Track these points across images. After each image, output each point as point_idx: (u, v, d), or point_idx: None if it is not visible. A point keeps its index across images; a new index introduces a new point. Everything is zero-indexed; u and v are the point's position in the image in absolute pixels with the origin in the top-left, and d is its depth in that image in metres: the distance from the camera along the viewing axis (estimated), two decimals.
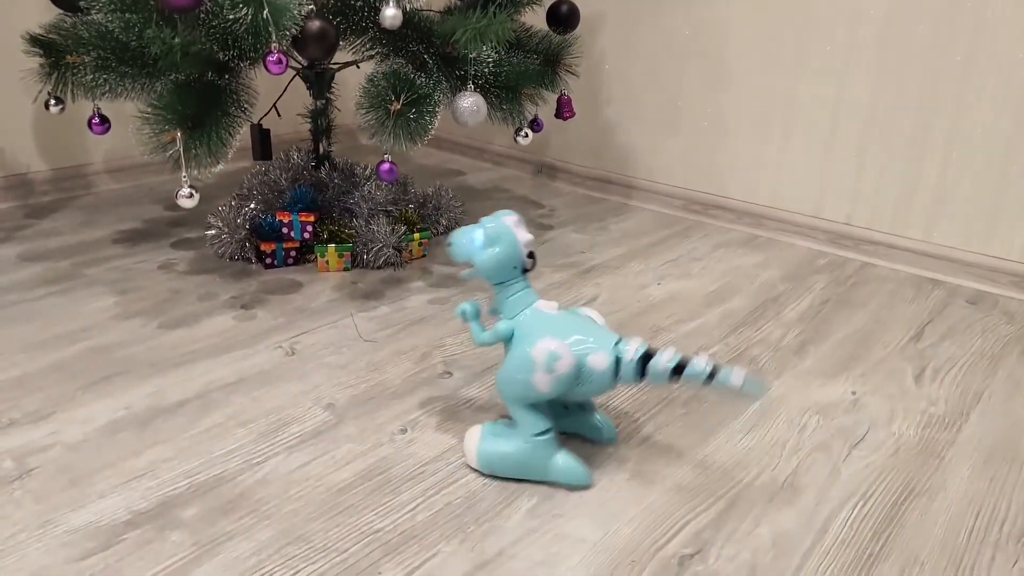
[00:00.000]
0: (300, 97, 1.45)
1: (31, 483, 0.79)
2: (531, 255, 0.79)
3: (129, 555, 0.70)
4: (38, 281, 1.24)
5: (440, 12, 1.29)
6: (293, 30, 1.04)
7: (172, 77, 1.09)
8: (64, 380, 0.97)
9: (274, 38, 1.02)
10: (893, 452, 0.89)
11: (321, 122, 1.40)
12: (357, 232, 1.33)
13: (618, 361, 0.76)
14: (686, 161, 1.67)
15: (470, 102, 1.21)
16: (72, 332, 1.09)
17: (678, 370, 0.75)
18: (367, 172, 1.44)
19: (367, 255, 1.32)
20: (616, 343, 0.77)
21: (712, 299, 1.27)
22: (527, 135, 1.37)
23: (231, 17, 1.01)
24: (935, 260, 1.39)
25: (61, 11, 1.21)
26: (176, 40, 1.02)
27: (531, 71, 1.33)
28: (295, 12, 1.03)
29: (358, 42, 1.23)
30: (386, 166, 1.15)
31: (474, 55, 1.22)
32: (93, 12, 1.08)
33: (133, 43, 1.07)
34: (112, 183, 1.71)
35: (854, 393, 1.01)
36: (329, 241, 1.32)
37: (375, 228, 1.32)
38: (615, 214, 1.68)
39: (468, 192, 1.79)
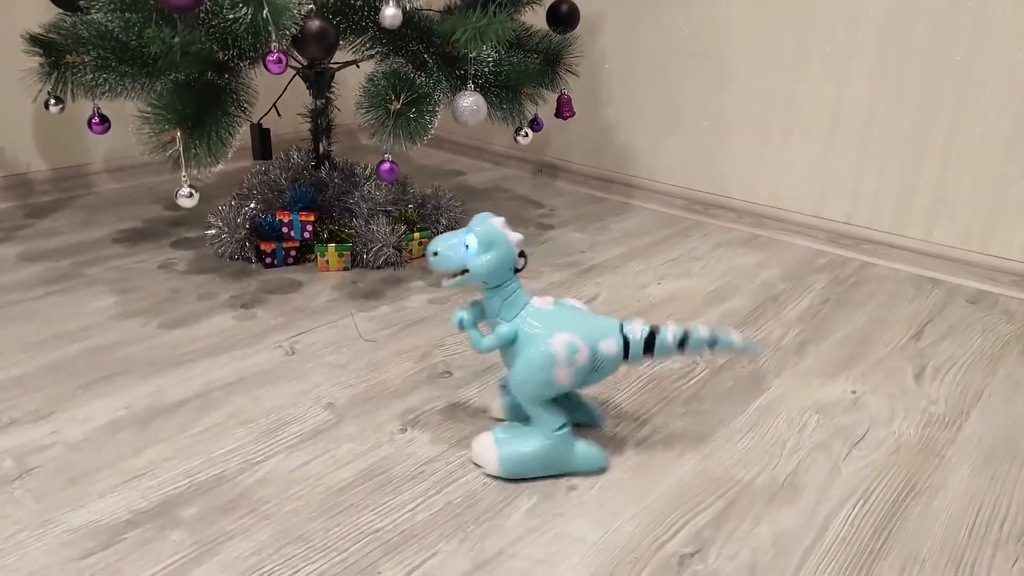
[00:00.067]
0: (300, 97, 1.45)
1: (31, 482, 0.79)
2: (522, 254, 0.80)
3: (129, 554, 0.70)
4: (38, 281, 1.24)
5: (440, 12, 1.29)
6: (293, 30, 1.04)
7: (172, 77, 1.09)
8: (64, 379, 0.97)
9: (274, 38, 1.02)
10: (893, 451, 0.89)
11: (321, 122, 1.40)
12: (357, 232, 1.33)
13: (626, 343, 0.79)
14: (686, 161, 1.67)
15: (470, 102, 1.21)
16: (72, 332, 1.09)
17: (682, 342, 0.81)
18: (367, 172, 1.44)
19: (367, 255, 1.32)
20: (620, 327, 0.80)
21: (712, 298, 1.27)
22: (527, 135, 1.37)
23: (231, 17, 1.01)
24: (935, 259, 1.39)
25: (61, 10, 1.21)
26: (176, 40, 1.02)
27: (531, 71, 1.33)
28: (295, 12, 1.03)
29: (358, 42, 1.23)
30: (386, 166, 1.15)
31: (474, 54, 1.22)
32: (93, 11, 1.08)
33: (133, 43, 1.07)
34: (112, 183, 1.71)
35: (854, 392, 1.01)
36: (329, 241, 1.32)
37: (375, 228, 1.32)
38: (615, 213, 1.68)
39: (468, 192, 1.79)
